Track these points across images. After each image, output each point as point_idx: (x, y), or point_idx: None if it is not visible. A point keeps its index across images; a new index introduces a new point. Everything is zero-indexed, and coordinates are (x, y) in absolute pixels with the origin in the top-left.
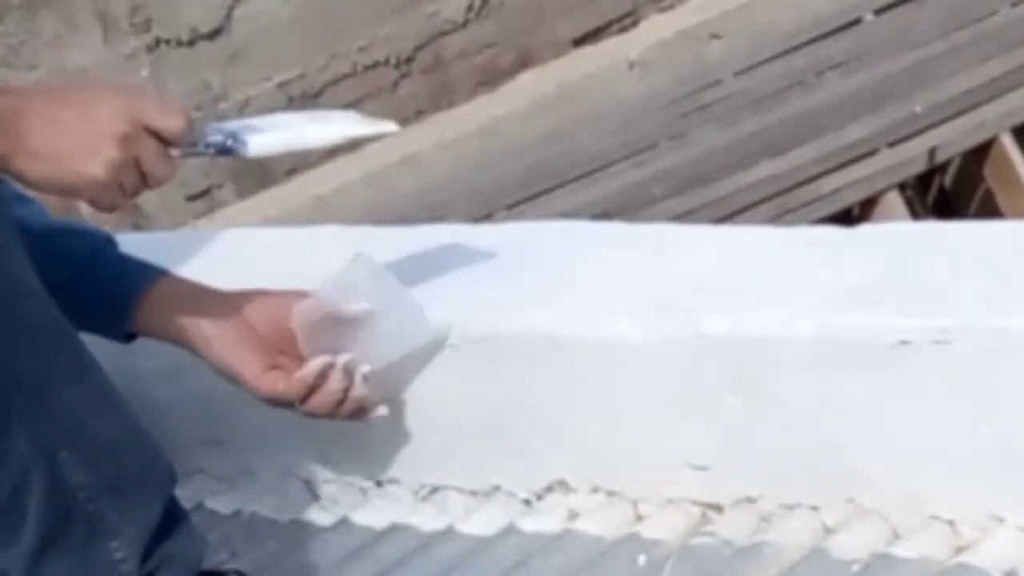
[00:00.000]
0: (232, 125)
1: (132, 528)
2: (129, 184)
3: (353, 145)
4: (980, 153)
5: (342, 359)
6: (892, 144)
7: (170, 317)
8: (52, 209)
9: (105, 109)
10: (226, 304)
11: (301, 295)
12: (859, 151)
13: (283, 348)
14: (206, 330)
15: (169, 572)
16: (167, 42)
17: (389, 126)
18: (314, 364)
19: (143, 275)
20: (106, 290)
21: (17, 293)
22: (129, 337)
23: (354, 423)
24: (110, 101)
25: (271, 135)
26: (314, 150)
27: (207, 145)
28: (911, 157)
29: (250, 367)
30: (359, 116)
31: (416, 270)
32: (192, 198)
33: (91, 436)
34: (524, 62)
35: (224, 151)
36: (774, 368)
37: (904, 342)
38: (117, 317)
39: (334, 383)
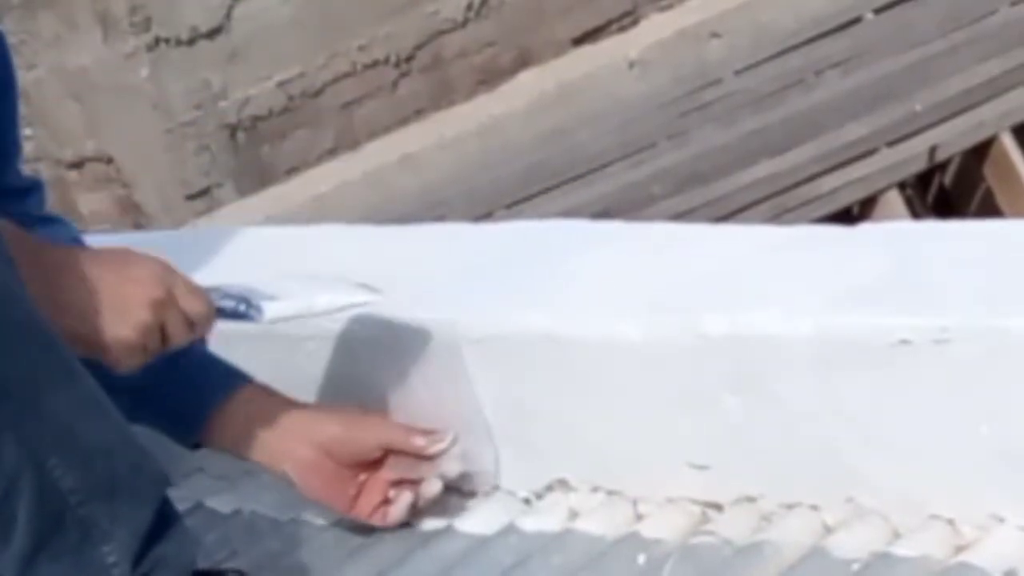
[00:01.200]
0: (239, 290)
1: (124, 532)
2: (152, 347)
3: (352, 144)
4: (980, 152)
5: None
6: (892, 143)
7: (245, 434)
8: None
9: (142, 273)
10: (306, 430)
11: (382, 424)
12: (859, 150)
13: (359, 467)
14: (284, 457)
15: (162, 575)
16: (167, 41)
17: (377, 295)
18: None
19: (221, 384)
20: (180, 396)
21: (2, 299)
22: (196, 446)
23: None
24: (147, 267)
25: (284, 303)
26: (320, 314)
27: (219, 311)
28: (911, 156)
29: (340, 501)
30: (350, 282)
31: (416, 269)
32: (192, 197)
33: (80, 441)
34: (524, 61)
35: (238, 316)
36: (774, 367)
37: (904, 341)
38: (186, 429)
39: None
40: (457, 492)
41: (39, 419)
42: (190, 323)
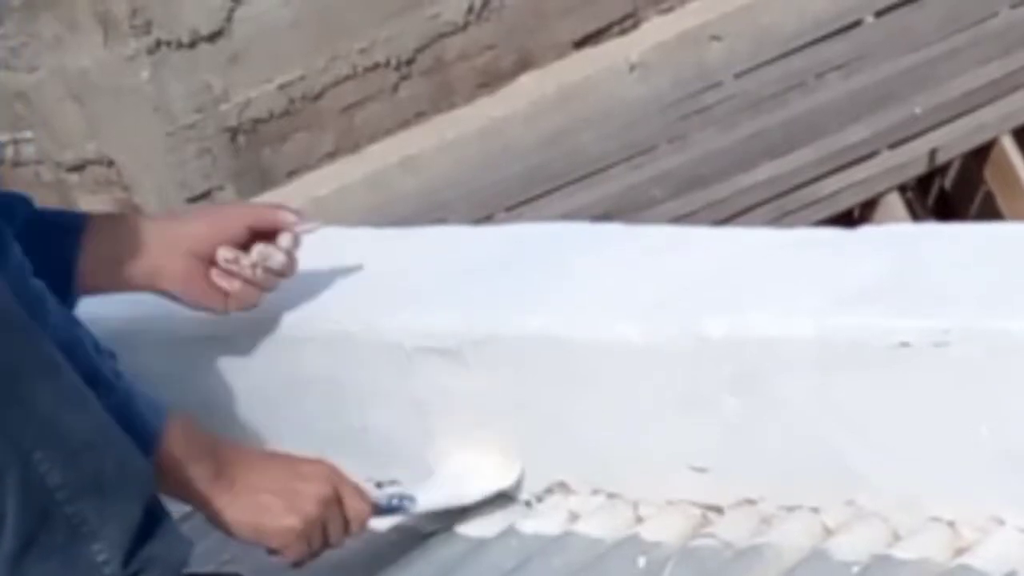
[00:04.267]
0: (392, 489)
1: (113, 529)
2: (315, 544)
3: (352, 147)
4: (980, 155)
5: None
6: (892, 146)
7: (114, 266)
8: None
9: (313, 471)
10: (172, 240)
11: (246, 206)
12: (859, 153)
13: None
14: (159, 275)
15: (153, 573)
16: (168, 44)
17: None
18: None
19: (73, 227)
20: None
21: None
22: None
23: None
24: (316, 466)
25: (436, 492)
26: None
27: (376, 507)
28: (911, 159)
29: (218, 301)
30: (483, 473)
31: (416, 272)
32: (193, 199)
33: (66, 435)
34: (524, 64)
35: (392, 510)
36: (774, 370)
37: (904, 344)
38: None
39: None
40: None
41: (23, 413)
42: (348, 523)
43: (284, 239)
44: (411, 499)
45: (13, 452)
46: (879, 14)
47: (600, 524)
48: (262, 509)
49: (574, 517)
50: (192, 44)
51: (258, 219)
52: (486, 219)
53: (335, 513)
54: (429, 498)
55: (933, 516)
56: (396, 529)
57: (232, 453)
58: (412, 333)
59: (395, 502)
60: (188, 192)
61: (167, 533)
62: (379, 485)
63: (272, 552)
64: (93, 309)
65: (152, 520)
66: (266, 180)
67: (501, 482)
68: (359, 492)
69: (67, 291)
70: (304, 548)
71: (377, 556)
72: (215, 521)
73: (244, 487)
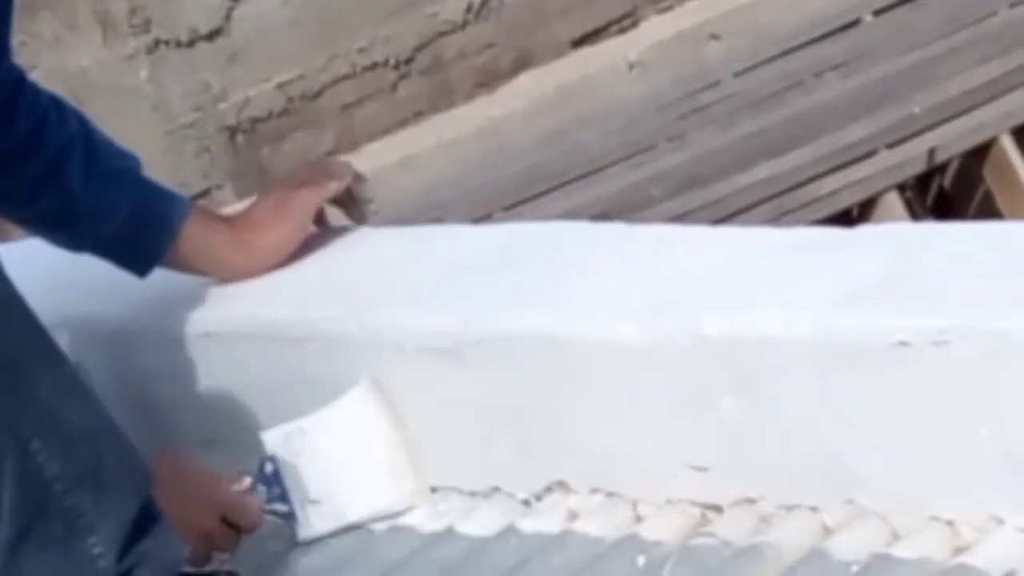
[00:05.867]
0: (281, 490)
1: (110, 523)
2: (220, 542)
3: (351, 146)
4: (979, 154)
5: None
6: (891, 145)
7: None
8: None
9: (195, 503)
10: None
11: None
12: (858, 152)
13: None
14: None
15: (147, 570)
16: (166, 43)
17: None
18: None
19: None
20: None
21: None
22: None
23: None
24: (199, 493)
25: (317, 523)
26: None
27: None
28: (910, 158)
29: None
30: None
31: (415, 271)
32: (192, 198)
33: (65, 426)
34: (523, 63)
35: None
36: (773, 369)
37: (903, 343)
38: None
39: None
40: (456, 492)
41: (23, 400)
42: (239, 535)
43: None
44: (295, 523)
45: (11, 441)
46: (878, 13)
47: (599, 523)
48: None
49: (573, 516)
50: (191, 43)
51: (322, 199)
52: (485, 218)
53: (223, 532)
54: (311, 529)
55: (932, 515)
56: (396, 529)
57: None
58: (411, 333)
59: (280, 522)
60: (187, 191)
61: (162, 532)
62: (262, 471)
63: None
64: (94, 309)
65: (148, 518)
66: (265, 179)
67: (395, 504)
68: (246, 510)
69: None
70: (209, 551)
71: (377, 556)
72: None
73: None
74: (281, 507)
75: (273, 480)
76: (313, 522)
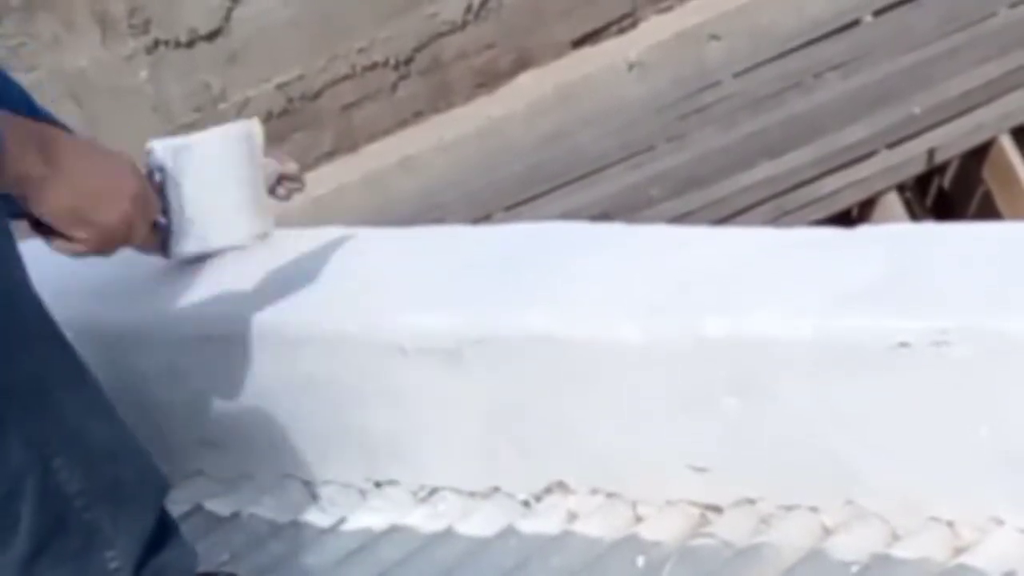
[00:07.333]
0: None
1: (127, 538)
2: (120, 240)
3: (351, 146)
4: (979, 154)
5: None
6: (891, 145)
7: None
8: None
9: (129, 171)
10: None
11: None
12: (858, 152)
13: None
14: None
15: None
16: (166, 43)
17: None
18: None
19: None
20: None
21: (15, 298)
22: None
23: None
24: (131, 165)
25: (187, 244)
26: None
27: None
28: (910, 158)
29: None
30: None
31: (415, 272)
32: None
33: (87, 443)
34: (523, 63)
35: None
36: (773, 370)
37: (903, 344)
38: None
39: None
40: (456, 493)
41: (47, 419)
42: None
43: None
44: (167, 231)
45: (35, 458)
46: (877, 13)
47: (599, 524)
48: (85, 196)
49: (573, 517)
50: (190, 43)
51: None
52: (485, 219)
53: (147, 211)
54: (180, 251)
55: (932, 516)
56: (396, 529)
57: (60, 139)
58: (412, 333)
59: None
60: None
61: (177, 543)
62: (151, 179)
63: (63, 238)
64: (94, 310)
65: (163, 530)
66: None
67: (249, 239)
68: (152, 195)
69: None
70: (112, 245)
71: (377, 555)
72: (34, 201)
73: (72, 172)
74: (161, 219)
75: (159, 192)
76: (181, 242)
